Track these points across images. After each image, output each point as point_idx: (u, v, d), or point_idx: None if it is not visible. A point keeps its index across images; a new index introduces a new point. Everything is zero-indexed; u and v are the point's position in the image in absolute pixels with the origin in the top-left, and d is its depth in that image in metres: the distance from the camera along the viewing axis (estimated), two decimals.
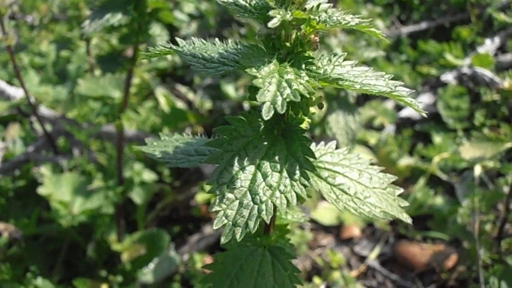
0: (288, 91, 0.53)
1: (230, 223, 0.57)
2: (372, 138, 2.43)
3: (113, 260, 2.22)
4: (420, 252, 2.00)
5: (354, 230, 2.19)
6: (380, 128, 2.47)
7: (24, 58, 3.22)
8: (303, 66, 0.58)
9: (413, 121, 2.44)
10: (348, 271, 2.03)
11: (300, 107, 0.64)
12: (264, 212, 0.58)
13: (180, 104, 2.73)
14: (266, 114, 0.52)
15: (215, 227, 0.57)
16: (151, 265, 1.98)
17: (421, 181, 2.19)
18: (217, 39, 0.69)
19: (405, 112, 2.40)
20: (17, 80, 2.43)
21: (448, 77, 2.45)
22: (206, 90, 2.56)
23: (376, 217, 0.71)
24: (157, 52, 0.69)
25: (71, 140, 2.27)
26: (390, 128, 2.37)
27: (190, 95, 2.93)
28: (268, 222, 0.59)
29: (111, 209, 2.04)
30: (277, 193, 0.60)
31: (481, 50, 2.58)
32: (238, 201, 0.59)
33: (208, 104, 2.87)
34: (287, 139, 0.64)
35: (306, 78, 0.56)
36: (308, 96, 0.55)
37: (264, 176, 0.60)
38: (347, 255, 2.12)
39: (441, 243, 2.06)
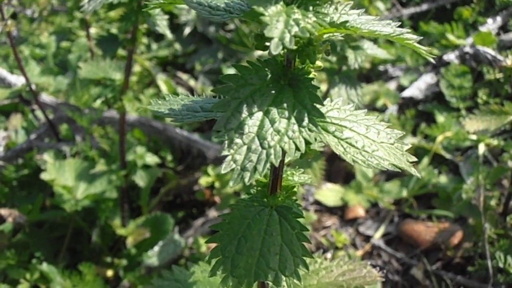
0: (296, 28, 0.53)
1: (239, 167, 0.57)
2: None
3: (118, 246, 2.22)
4: (425, 230, 2.00)
5: (359, 210, 2.18)
6: (383, 109, 2.46)
7: (25, 50, 3.21)
8: (310, 8, 0.57)
9: (416, 101, 2.43)
10: (353, 251, 2.02)
11: (307, 54, 0.64)
12: (272, 156, 0.58)
13: (181, 91, 2.73)
14: (274, 49, 0.51)
15: (223, 171, 0.56)
16: (156, 248, 1.98)
17: (425, 160, 2.19)
18: None
19: (408, 92, 2.39)
20: (18, 70, 2.43)
21: (450, 56, 2.44)
22: (207, 76, 2.55)
23: (384, 168, 0.70)
24: (164, 1, 0.69)
25: (73, 126, 2.27)
26: (392, 108, 2.36)
27: (192, 82, 2.93)
28: (277, 165, 0.58)
29: (115, 194, 2.03)
30: (286, 139, 0.59)
31: (483, 29, 2.57)
32: (246, 146, 0.58)
33: (209, 91, 2.86)
34: (294, 88, 0.64)
35: (314, 19, 0.56)
36: (316, 33, 0.54)
37: (272, 122, 0.60)
38: (352, 235, 2.12)
39: (446, 221, 2.06)
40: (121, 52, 2.49)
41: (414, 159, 0.77)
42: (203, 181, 2.21)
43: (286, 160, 0.89)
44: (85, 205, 1.99)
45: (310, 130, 0.60)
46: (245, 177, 0.56)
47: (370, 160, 0.71)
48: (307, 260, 1.10)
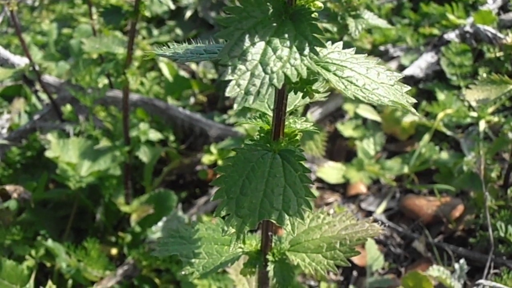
0: None
1: (242, 91, 0.58)
2: None
3: (123, 225, 2.24)
4: (426, 204, 2.01)
5: (360, 187, 2.20)
6: None
7: (26, 37, 3.23)
8: None
9: (417, 80, 2.44)
10: None
11: None
12: (275, 80, 0.59)
13: (183, 74, 2.74)
14: None
15: (227, 94, 0.58)
16: (160, 224, 1.99)
17: (426, 137, 2.20)
18: None
19: (409, 71, 2.40)
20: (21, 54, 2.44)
21: (451, 35, 2.45)
22: None
23: (384, 104, 0.72)
24: None
25: (76, 107, 2.28)
26: None
27: (193, 66, 2.94)
28: (279, 87, 0.60)
29: (118, 171, 2.05)
30: (288, 65, 0.60)
31: (483, 9, 2.58)
32: (249, 72, 0.59)
33: (211, 75, 2.88)
34: (296, 21, 0.65)
35: None
36: None
37: (275, 50, 0.61)
38: (354, 211, 2.13)
39: (447, 196, 2.07)
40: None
41: (414, 100, 0.79)
42: (206, 159, 2.23)
43: (289, 108, 0.90)
44: (89, 182, 2.01)
45: (311, 58, 0.61)
46: (248, 100, 0.58)
47: (371, 96, 0.72)
48: (309, 215, 1.12)
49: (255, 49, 0.61)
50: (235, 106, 0.57)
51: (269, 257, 1.04)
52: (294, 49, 0.62)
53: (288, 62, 0.60)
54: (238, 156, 0.82)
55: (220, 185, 0.80)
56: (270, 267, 1.04)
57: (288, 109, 0.87)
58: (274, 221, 0.78)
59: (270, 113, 0.90)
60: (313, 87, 0.74)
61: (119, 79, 1.73)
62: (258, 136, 0.86)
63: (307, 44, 0.62)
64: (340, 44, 0.80)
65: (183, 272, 1.02)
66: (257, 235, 1.10)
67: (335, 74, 0.73)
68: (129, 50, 1.70)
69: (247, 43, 0.61)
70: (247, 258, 1.08)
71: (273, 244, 1.06)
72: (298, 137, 0.88)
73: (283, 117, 0.83)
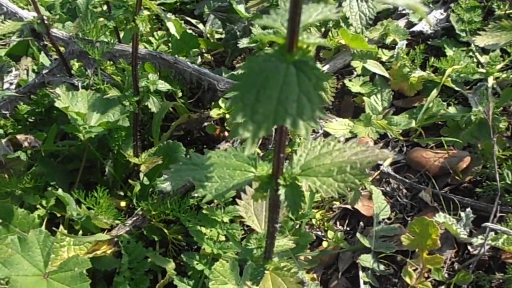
0: None
1: None
2: (385, 56, 2.43)
3: (132, 179, 2.26)
4: (433, 156, 2.02)
5: (368, 141, 2.21)
6: (393, 47, 2.47)
7: None
8: None
9: (425, 37, 2.43)
10: None
11: None
12: None
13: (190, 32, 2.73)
14: None
15: None
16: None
17: (434, 92, 2.20)
18: None
19: (418, 27, 2.39)
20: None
21: None
22: (215, 14, 2.55)
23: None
24: None
25: (84, 61, 2.29)
26: (402, 43, 2.37)
27: (201, 26, 2.93)
28: None
29: (127, 122, 2.06)
30: None
31: None
32: None
33: (218, 35, 2.87)
34: None
35: None
36: None
37: None
38: None
39: (454, 149, 2.08)
40: None
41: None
42: (214, 113, 2.24)
43: (302, 24, 0.91)
44: (99, 132, 2.03)
45: None
46: None
47: None
48: (320, 143, 1.13)
49: None
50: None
51: (280, 181, 1.06)
52: None
53: None
54: (252, 66, 0.82)
55: (235, 93, 0.81)
56: (281, 191, 1.05)
57: (301, 25, 0.88)
58: (288, 126, 0.79)
59: (284, 30, 0.90)
60: None
61: (129, 25, 1.73)
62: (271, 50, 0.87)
63: None
64: None
65: (196, 195, 1.04)
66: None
67: None
68: None
69: None
70: (258, 183, 1.09)
71: (284, 170, 1.07)
72: (311, 52, 0.89)
73: (297, 28, 0.83)
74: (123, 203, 2.22)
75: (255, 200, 1.09)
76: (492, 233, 1.71)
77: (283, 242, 1.38)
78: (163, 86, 1.96)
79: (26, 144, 1.95)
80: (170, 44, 2.71)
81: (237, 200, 1.51)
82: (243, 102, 0.81)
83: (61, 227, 1.85)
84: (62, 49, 2.29)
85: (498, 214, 1.74)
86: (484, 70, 2.24)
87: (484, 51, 2.41)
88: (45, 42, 2.35)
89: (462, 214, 1.81)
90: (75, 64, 2.44)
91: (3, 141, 1.97)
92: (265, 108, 0.80)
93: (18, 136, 1.98)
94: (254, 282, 1.32)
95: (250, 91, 0.82)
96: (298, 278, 1.26)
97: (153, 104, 1.94)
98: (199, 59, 2.71)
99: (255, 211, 1.47)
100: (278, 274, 1.30)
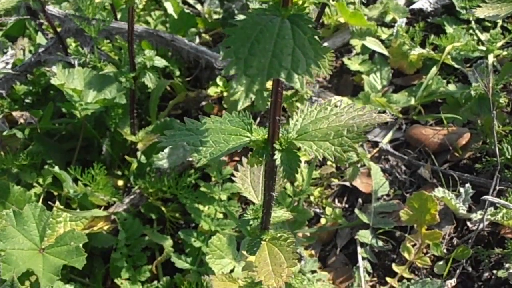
0: None
1: None
2: (384, 34, 2.40)
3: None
4: (433, 133, 2.01)
5: None
6: (392, 25, 2.44)
7: None
8: None
9: (425, 15, 2.40)
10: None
11: None
12: None
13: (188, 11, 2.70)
14: None
15: None
16: (166, 151, 2.00)
17: (434, 69, 2.18)
18: None
19: (417, 4, 2.36)
20: None
21: None
22: None
23: None
24: None
25: (80, 39, 2.26)
26: (401, 21, 2.34)
27: (198, 6, 2.90)
28: None
29: (124, 100, 2.04)
30: None
31: None
32: None
33: (216, 15, 2.84)
34: None
35: None
36: None
37: None
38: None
39: (454, 126, 2.06)
40: None
41: None
42: (212, 91, 2.22)
43: None
44: (95, 109, 2.01)
45: None
46: None
47: None
48: (317, 107, 1.11)
49: None
50: None
51: (276, 145, 1.04)
52: None
53: None
54: (246, 19, 0.80)
55: (228, 45, 0.79)
56: (277, 156, 1.03)
57: None
58: (283, 79, 0.77)
59: None
60: None
61: None
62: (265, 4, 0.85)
63: None
64: None
65: (190, 159, 1.02)
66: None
67: None
68: None
69: None
70: (254, 149, 1.08)
71: (280, 134, 1.06)
72: (307, 9, 0.87)
73: None
74: (120, 182, 2.21)
75: (251, 165, 1.08)
76: (491, 208, 1.70)
77: (279, 213, 1.37)
78: (160, 62, 1.94)
79: (21, 120, 1.93)
80: (168, 24, 2.69)
81: (234, 172, 1.49)
82: (237, 56, 0.79)
83: (57, 202, 1.84)
84: (58, 29, 2.26)
85: (497, 188, 1.72)
86: (484, 48, 2.21)
87: (485, 28, 2.38)
88: (41, 21, 2.32)
89: (462, 189, 1.80)
90: (72, 44, 2.42)
91: None
92: (259, 62, 0.79)
93: (14, 113, 1.96)
94: (251, 252, 1.30)
95: (244, 44, 0.80)
96: (295, 248, 1.25)
97: (149, 80, 1.92)
98: (197, 39, 2.68)
99: (251, 183, 1.45)
100: (275, 244, 1.29)
